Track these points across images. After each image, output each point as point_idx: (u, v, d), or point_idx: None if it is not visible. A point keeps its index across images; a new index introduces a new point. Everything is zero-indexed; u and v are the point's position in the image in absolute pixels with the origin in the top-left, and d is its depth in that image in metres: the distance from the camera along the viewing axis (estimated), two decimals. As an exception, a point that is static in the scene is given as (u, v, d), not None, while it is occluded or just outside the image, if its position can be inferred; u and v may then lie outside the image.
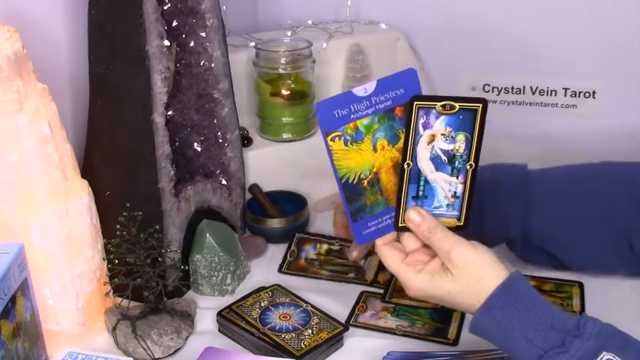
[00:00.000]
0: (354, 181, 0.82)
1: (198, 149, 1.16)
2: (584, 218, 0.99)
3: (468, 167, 0.83)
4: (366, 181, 0.83)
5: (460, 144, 0.82)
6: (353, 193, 0.83)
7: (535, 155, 1.10)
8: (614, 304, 1.01)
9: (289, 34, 1.50)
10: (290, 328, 0.97)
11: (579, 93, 1.45)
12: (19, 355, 0.84)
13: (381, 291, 1.07)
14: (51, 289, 0.93)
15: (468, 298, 0.78)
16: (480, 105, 0.81)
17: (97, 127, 1.06)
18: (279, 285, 1.07)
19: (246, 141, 1.31)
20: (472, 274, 0.78)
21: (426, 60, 1.55)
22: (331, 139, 0.80)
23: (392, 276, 1.01)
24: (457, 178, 0.84)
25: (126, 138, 1.03)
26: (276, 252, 1.19)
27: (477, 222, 0.95)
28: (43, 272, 0.92)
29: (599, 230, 0.98)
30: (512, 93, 1.49)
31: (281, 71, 1.34)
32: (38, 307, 0.90)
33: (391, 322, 1.01)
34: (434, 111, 0.81)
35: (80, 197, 0.96)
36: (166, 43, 1.02)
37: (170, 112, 1.11)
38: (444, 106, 0.81)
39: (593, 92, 1.44)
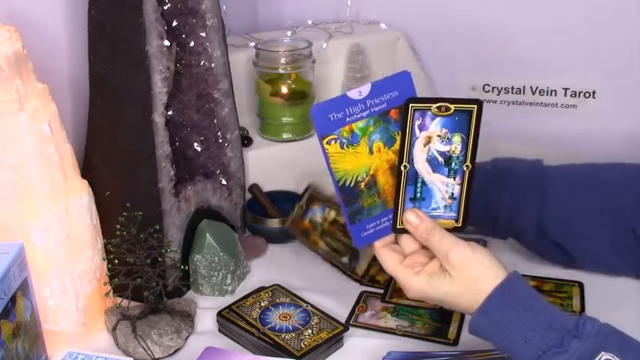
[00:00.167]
0: (351, 184, 0.82)
1: (198, 149, 1.16)
2: (597, 216, 1.00)
3: (465, 168, 0.84)
4: (363, 184, 0.83)
5: (456, 145, 0.83)
6: (350, 195, 0.83)
7: (535, 155, 1.10)
8: (614, 304, 1.01)
9: (289, 34, 1.50)
10: (290, 328, 0.97)
11: (579, 93, 1.45)
12: (19, 355, 0.84)
13: (381, 291, 1.07)
14: (51, 289, 0.93)
15: (467, 299, 0.78)
16: (475, 106, 0.81)
17: (97, 127, 1.06)
18: (279, 285, 1.07)
19: (246, 141, 1.31)
20: (470, 275, 0.78)
21: (426, 60, 1.55)
22: (327, 143, 0.81)
23: (391, 277, 1.01)
24: (454, 179, 0.84)
25: (126, 138, 1.03)
26: (276, 252, 1.20)
27: (489, 210, 0.95)
28: (43, 272, 0.92)
29: (610, 229, 0.99)
30: (512, 93, 1.49)
31: (281, 71, 1.34)
32: (38, 307, 0.90)
33: (391, 322, 1.01)
34: (429, 113, 0.81)
35: (80, 197, 0.96)
36: (166, 43, 1.02)
37: (170, 112, 1.11)
38: (439, 108, 0.81)
39: (593, 92, 1.44)
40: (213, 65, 1.11)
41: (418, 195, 0.84)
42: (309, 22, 1.56)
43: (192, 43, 1.10)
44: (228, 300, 1.04)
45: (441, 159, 0.83)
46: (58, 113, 0.94)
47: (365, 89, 0.81)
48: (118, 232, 0.95)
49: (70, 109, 1.11)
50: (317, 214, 1.13)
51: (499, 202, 1.02)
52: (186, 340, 0.98)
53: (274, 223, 1.21)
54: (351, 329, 0.99)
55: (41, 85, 0.92)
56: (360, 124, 0.81)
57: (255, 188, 1.26)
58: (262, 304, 1.02)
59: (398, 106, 0.82)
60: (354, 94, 0.81)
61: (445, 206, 0.84)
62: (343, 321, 1.00)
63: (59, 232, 0.93)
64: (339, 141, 0.81)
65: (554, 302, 1.03)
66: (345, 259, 1.10)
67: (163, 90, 1.01)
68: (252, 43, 1.41)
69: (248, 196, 1.25)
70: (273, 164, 1.31)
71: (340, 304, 1.04)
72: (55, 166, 0.93)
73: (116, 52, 1.00)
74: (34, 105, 0.90)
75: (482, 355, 0.91)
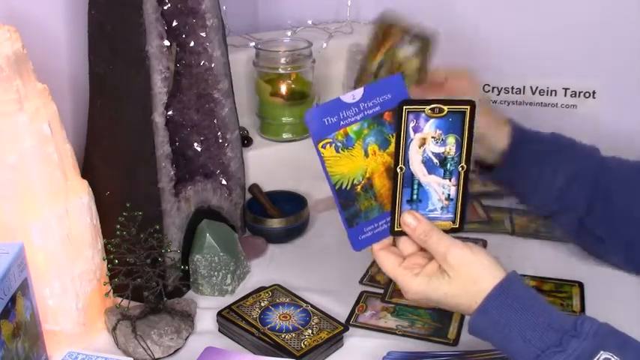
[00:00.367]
0: (348, 187, 0.83)
1: (198, 149, 1.16)
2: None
3: (460, 169, 0.84)
4: (359, 187, 0.83)
5: (451, 146, 0.83)
6: (347, 199, 0.83)
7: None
8: (614, 304, 1.01)
9: (289, 34, 1.50)
10: (290, 328, 0.97)
11: (579, 93, 1.45)
12: (19, 355, 0.84)
13: (381, 291, 1.07)
14: (51, 289, 0.93)
15: (466, 299, 0.78)
16: (468, 107, 0.82)
17: (97, 127, 1.06)
18: (279, 285, 1.07)
19: (246, 141, 1.31)
20: (469, 276, 0.78)
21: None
22: (322, 147, 0.81)
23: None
24: (450, 180, 0.84)
25: (126, 138, 1.03)
26: (276, 252, 1.20)
27: (542, 178, 1.00)
28: (43, 272, 0.92)
29: None
30: (512, 93, 1.49)
31: (281, 71, 1.34)
32: (38, 307, 0.90)
33: (391, 322, 1.01)
34: (423, 114, 0.82)
35: (80, 197, 0.96)
36: (166, 43, 1.02)
37: (170, 112, 1.11)
38: (432, 109, 0.82)
39: (593, 92, 1.44)
40: (213, 65, 1.11)
41: (415, 197, 0.84)
42: (309, 22, 1.56)
43: (192, 43, 1.10)
44: (228, 300, 1.04)
45: (436, 160, 0.83)
46: (58, 113, 0.94)
47: (358, 93, 0.82)
48: (118, 232, 0.95)
49: (70, 109, 1.11)
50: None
51: (555, 170, 1.02)
52: (186, 340, 0.98)
53: (274, 223, 1.21)
54: (351, 329, 0.99)
55: (41, 85, 0.92)
56: (355, 127, 0.82)
57: (255, 188, 1.26)
58: (262, 304, 1.02)
59: (391, 109, 0.83)
60: (347, 97, 0.82)
61: (442, 208, 0.85)
62: (343, 321, 1.00)
63: (59, 232, 0.93)
64: (334, 145, 0.82)
65: (554, 302, 1.03)
66: None
67: (163, 90, 1.01)
68: (252, 43, 1.41)
69: (248, 196, 1.25)
70: (273, 164, 1.31)
71: (340, 304, 1.04)
72: (55, 166, 0.93)
73: (116, 52, 1.00)
74: (34, 105, 0.90)
75: (482, 355, 0.91)
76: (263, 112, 1.36)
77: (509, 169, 1.04)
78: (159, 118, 1.01)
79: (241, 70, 1.37)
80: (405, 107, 0.81)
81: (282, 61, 1.34)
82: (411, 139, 0.82)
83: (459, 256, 0.79)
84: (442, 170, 0.83)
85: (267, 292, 1.05)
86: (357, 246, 0.84)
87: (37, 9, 1.04)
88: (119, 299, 0.98)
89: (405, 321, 1.01)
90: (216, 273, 1.07)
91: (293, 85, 1.36)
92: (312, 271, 1.13)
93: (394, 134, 0.82)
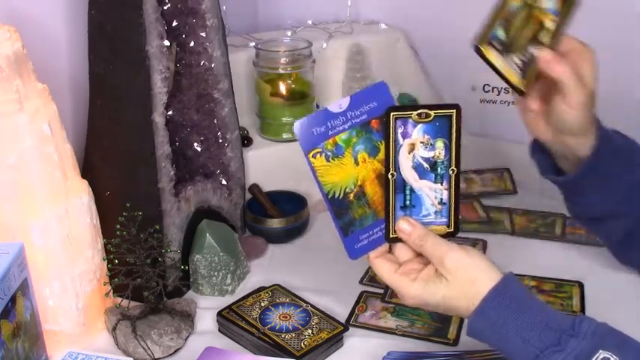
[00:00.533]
0: (340, 196, 0.83)
1: (198, 149, 1.16)
2: None
3: (451, 172, 0.84)
4: (352, 195, 0.84)
5: (440, 150, 0.83)
6: (340, 207, 0.83)
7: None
8: (614, 304, 1.01)
9: (289, 34, 1.50)
10: (290, 328, 0.97)
11: (579, 93, 1.44)
12: (19, 355, 0.84)
13: (381, 291, 1.07)
14: (51, 289, 0.93)
15: (463, 302, 0.78)
16: (454, 111, 0.82)
17: (97, 127, 1.06)
18: (279, 285, 1.07)
19: (246, 141, 1.31)
20: (466, 278, 0.78)
21: (426, 60, 1.55)
22: (312, 156, 0.82)
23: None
24: (441, 184, 0.84)
25: (126, 138, 1.03)
26: (276, 252, 1.20)
27: (613, 186, 0.91)
28: (43, 272, 0.92)
29: None
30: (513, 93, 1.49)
31: (281, 71, 1.34)
32: (38, 307, 0.90)
33: (391, 322, 1.01)
34: (410, 120, 0.82)
35: (80, 197, 0.96)
36: (166, 43, 1.02)
37: (170, 112, 1.11)
38: (419, 115, 0.82)
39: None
40: (213, 65, 1.11)
41: (408, 203, 0.84)
42: (309, 22, 1.56)
43: (192, 43, 1.10)
44: (228, 300, 1.04)
45: (426, 165, 0.83)
46: (58, 113, 0.94)
47: (344, 102, 0.83)
48: (118, 232, 0.95)
49: (70, 109, 1.11)
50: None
51: (630, 179, 0.92)
52: (186, 340, 0.98)
53: (274, 223, 1.21)
54: (351, 329, 0.99)
55: (41, 85, 0.92)
56: (343, 136, 0.83)
57: (255, 188, 1.26)
58: (262, 304, 1.02)
59: (378, 116, 0.83)
60: (334, 107, 0.83)
61: (435, 212, 0.85)
62: (343, 321, 1.00)
63: (59, 232, 0.93)
64: (324, 154, 0.82)
65: (554, 302, 1.03)
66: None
67: (163, 90, 1.01)
68: (252, 43, 1.41)
69: (248, 196, 1.25)
70: (273, 164, 1.31)
71: (340, 304, 1.04)
72: (55, 166, 0.93)
73: (116, 52, 1.00)
74: (34, 105, 0.90)
75: (482, 355, 0.91)
76: (263, 112, 1.36)
77: (583, 176, 0.92)
78: (159, 118, 1.01)
79: (241, 70, 1.37)
80: (392, 114, 0.82)
81: (282, 61, 1.34)
82: (401, 145, 0.83)
83: (456, 260, 0.79)
84: (433, 175, 0.84)
85: (267, 292, 1.05)
86: (353, 255, 0.84)
87: (37, 9, 1.04)
88: (119, 299, 0.98)
89: (405, 321, 1.01)
90: (216, 273, 1.07)
91: (293, 85, 1.36)
92: (312, 271, 1.13)
93: (383, 141, 0.83)
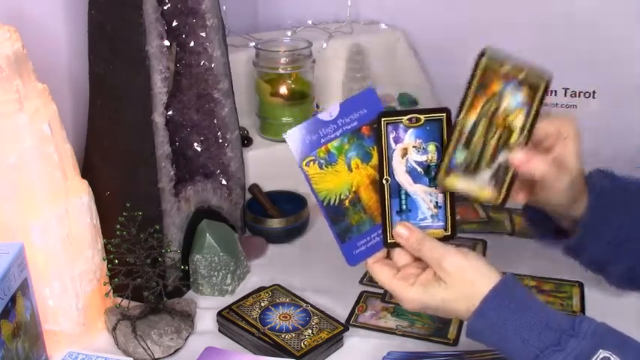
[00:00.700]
0: (336, 203, 0.84)
1: (198, 149, 1.16)
2: None
3: None
4: (347, 201, 0.84)
5: (432, 154, 0.83)
6: (336, 214, 0.84)
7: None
8: (614, 304, 1.01)
9: (289, 34, 1.50)
10: (290, 328, 0.97)
11: (579, 93, 1.45)
12: (19, 355, 0.84)
13: (381, 291, 1.07)
14: (51, 289, 0.93)
15: (463, 303, 0.78)
16: (444, 114, 0.82)
17: (97, 127, 1.06)
18: (279, 285, 1.07)
19: (246, 141, 1.31)
20: (465, 280, 0.78)
21: (426, 60, 1.55)
22: (306, 164, 0.83)
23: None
24: (436, 188, 0.84)
25: (126, 138, 1.03)
26: (276, 252, 1.20)
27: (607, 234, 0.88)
28: (43, 272, 0.92)
29: None
30: (513, 93, 1.49)
31: (281, 71, 1.34)
32: (38, 307, 0.90)
33: (391, 322, 1.01)
34: (401, 125, 0.83)
35: (80, 197, 0.96)
36: (166, 43, 1.02)
37: (170, 112, 1.11)
38: (410, 120, 0.83)
39: (593, 92, 1.44)
40: (213, 65, 1.11)
41: (404, 207, 0.84)
42: (309, 22, 1.56)
43: (192, 43, 1.10)
44: (228, 300, 1.04)
45: (419, 169, 0.83)
46: (58, 113, 0.94)
47: (334, 110, 0.83)
48: (118, 232, 0.95)
49: (70, 109, 1.11)
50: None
51: (621, 224, 0.90)
52: (186, 340, 0.98)
53: (274, 223, 1.21)
54: (351, 329, 0.99)
55: (41, 85, 0.92)
56: (335, 143, 0.83)
57: (255, 188, 1.26)
58: (262, 304, 1.02)
59: (368, 123, 0.84)
60: (324, 115, 0.83)
61: (432, 216, 0.85)
62: (343, 321, 1.00)
63: (59, 232, 0.93)
64: (317, 162, 0.83)
65: (554, 302, 1.03)
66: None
67: (163, 90, 1.01)
68: (252, 43, 1.41)
69: (248, 196, 1.25)
70: (273, 164, 1.31)
71: (340, 304, 1.04)
72: (55, 166, 0.93)
73: (116, 52, 1.00)
74: (34, 105, 0.90)
75: (482, 355, 0.91)
76: (263, 112, 1.36)
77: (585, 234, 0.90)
78: (159, 118, 1.01)
79: (241, 70, 1.37)
80: (383, 119, 0.82)
81: (282, 61, 1.34)
82: (393, 150, 0.83)
83: (454, 262, 0.79)
84: (427, 178, 0.84)
85: (267, 292, 1.05)
86: (352, 261, 0.85)
87: (37, 9, 1.04)
88: (119, 299, 0.98)
89: (405, 321, 1.01)
90: (216, 273, 1.07)
91: (293, 85, 1.36)
92: (312, 271, 1.13)
93: (375, 147, 0.83)
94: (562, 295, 1.05)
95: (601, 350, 0.71)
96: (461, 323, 0.99)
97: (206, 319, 1.02)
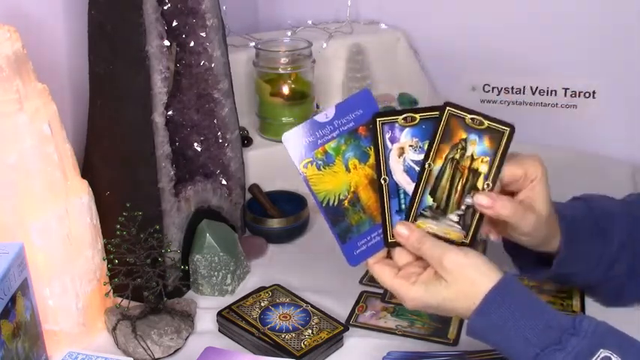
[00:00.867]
0: (335, 203, 0.84)
1: (198, 149, 1.16)
2: None
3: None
4: (346, 202, 0.84)
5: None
6: (336, 214, 0.84)
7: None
8: (614, 304, 1.01)
9: (289, 34, 1.50)
10: (290, 328, 0.97)
11: (579, 93, 1.45)
12: (19, 355, 0.84)
13: (381, 291, 1.07)
14: (51, 289, 0.93)
15: (464, 302, 0.79)
16: (438, 113, 0.82)
17: (97, 127, 1.06)
18: (279, 285, 1.07)
19: (246, 141, 1.32)
20: (466, 279, 0.78)
21: (426, 60, 1.55)
22: (304, 166, 0.83)
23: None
24: None
25: (126, 138, 1.03)
26: (276, 252, 1.20)
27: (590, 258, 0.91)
28: (43, 272, 0.92)
29: None
30: (512, 93, 1.49)
31: (281, 71, 1.34)
32: (38, 307, 0.90)
33: (391, 322, 1.01)
34: (397, 125, 0.83)
35: (80, 197, 0.96)
36: (166, 43, 1.02)
37: (170, 112, 1.11)
38: (405, 119, 0.83)
39: (593, 92, 1.44)
40: (213, 65, 1.11)
41: (403, 206, 0.84)
42: (309, 22, 1.56)
43: (192, 43, 1.10)
44: (228, 300, 1.04)
45: (417, 168, 0.83)
46: (58, 113, 0.94)
47: (330, 112, 0.84)
48: (118, 232, 0.95)
49: (70, 109, 1.11)
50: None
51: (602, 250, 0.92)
52: (186, 340, 0.98)
53: (274, 223, 1.21)
54: (351, 329, 0.99)
55: (41, 85, 0.92)
56: (332, 144, 0.84)
57: (255, 188, 1.26)
58: (262, 304, 1.02)
59: (365, 123, 0.84)
60: (320, 117, 0.84)
61: None
62: (343, 321, 1.00)
63: (59, 232, 0.93)
64: (314, 163, 0.83)
65: (554, 302, 1.03)
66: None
67: (163, 90, 1.01)
68: (252, 43, 1.41)
69: (248, 196, 1.25)
70: (273, 164, 1.31)
71: (340, 304, 1.04)
72: (55, 166, 0.93)
73: (116, 52, 1.00)
74: (34, 105, 0.90)
75: (482, 355, 0.91)
76: (263, 112, 1.36)
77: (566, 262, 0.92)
78: (159, 118, 1.01)
79: (241, 70, 1.37)
80: (378, 119, 0.83)
81: (282, 61, 1.34)
82: (390, 150, 0.83)
83: (455, 260, 0.79)
84: None
85: (267, 292, 1.05)
86: (353, 261, 0.85)
87: (37, 9, 1.04)
88: (119, 299, 0.98)
89: (404, 321, 1.01)
90: (216, 273, 1.07)
91: (293, 85, 1.36)
92: (312, 271, 1.13)
93: (372, 147, 0.84)
94: (562, 295, 1.05)
95: (602, 350, 0.72)
96: (461, 323, 0.99)
97: (206, 319, 1.02)
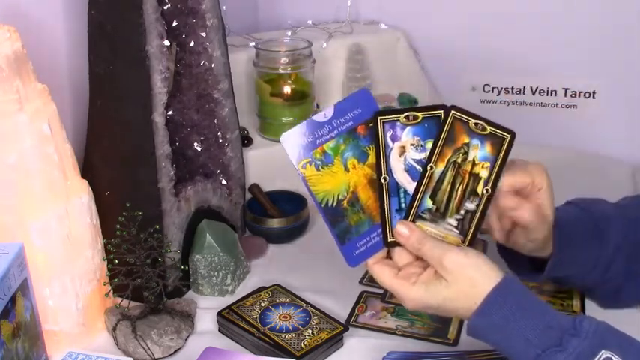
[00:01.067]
0: (334, 204, 0.83)
1: (198, 149, 1.16)
2: None
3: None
4: (345, 202, 0.84)
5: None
6: (335, 215, 0.83)
7: (535, 155, 1.09)
8: (614, 304, 1.01)
9: (289, 34, 1.50)
10: (290, 328, 0.97)
11: (579, 93, 1.45)
12: (19, 355, 0.84)
13: (381, 291, 1.07)
14: (51, 289, 0.93)
15: (464, 302, 0.78)
16: (442, 111, 0.82)
17: (97, 127, 1.06)
18: (279, 285, 1.07)
19: (246, 141, 1.32)
20: (466, 279, 0.78)
21: (426, 60, 1.55)
22: (302, 167, 0.83)
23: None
24: None
25: (126, 138, 1.03)
26: (276, 252, 1.20)
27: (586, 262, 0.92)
28: (43, 272, 0.92)
29: None
30: (512, 93, 1.49)
31: (281, 71, 1.34)
32: (38, 307, 0.90)
33: (391, 322, 1.01)
34: (399, 123, 0.82)
35: (80, 197, 0.96)
36: (166, 43, 1.02)
37: (170, 112, 1.11)
38: (407, 117, 0.83)
39: (593, 92, 1.44)
40: (213, 65, 1.11)
41: (403, 206, 0.84)
42: (309, 22, 1.56)
43: (192, 43, 1.10)
44: (228, 300, 1.04)
45: (418, 167, 0.83)
46: (58, 113, 0.94)
47: (329, 111, 0.83)
48: (118, 232, 0.95)
49: (70, 109, 1.11)
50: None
51: (598, 254, 0.94)
52: (186, 340, 0.98)
53: (274, 223, 1.21)
54: (351, 329, 0.99)
55: (41, 85, 0.92)
56: (331, 144, 0.83)
57: (255, 188, 1.26)
58: (262, 304, 1.02)
59: (364, 122, 0.84)
60: (319, 117, 0.83)
61: None
62: (343, 321, 1.00)
63: (59, 232, 0.93)
64: (313, 164, 0.83)
65: (555, 302, 1.03)
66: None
67: (163, 90, 1.01)
68: (252, 43, 1.41)
69: (248, 196, 1.25)
70: (273, 164, 1.31)
71: (340, 304, 1.04)
72: (55, 166, 0.93)
73: (116, 52, 1.00)
74: (34, 105, 0.90)
75: (482, 355, 0.91)
76: (263, 112, 1.36)
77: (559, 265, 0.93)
78: (159, 118, 1.01)
79: (241, 70, 1.37)
80: (379, 118, 0.82)
81: (282, 61, 1.34)
82: (391, 149, 0.82)
83: (455, 260, 0.79)
84: None
85: (267, 292, 1.05)
86: (352, 262, 0.84)
87: (37, 9, 1.04)
88: (119, 299, 0.98)
89: (405, 321, 1.01)
90: (216, 273, 1.07)
91: (293, 85, 1.36)
92: (312, 271, 1.13)
93: (371, 146, 0.83)
94: (562, 295, 1.05)
95: (603, 351, 0.71)
96: (461, 323, 0.99)
97: (206, 319, 1.02)
